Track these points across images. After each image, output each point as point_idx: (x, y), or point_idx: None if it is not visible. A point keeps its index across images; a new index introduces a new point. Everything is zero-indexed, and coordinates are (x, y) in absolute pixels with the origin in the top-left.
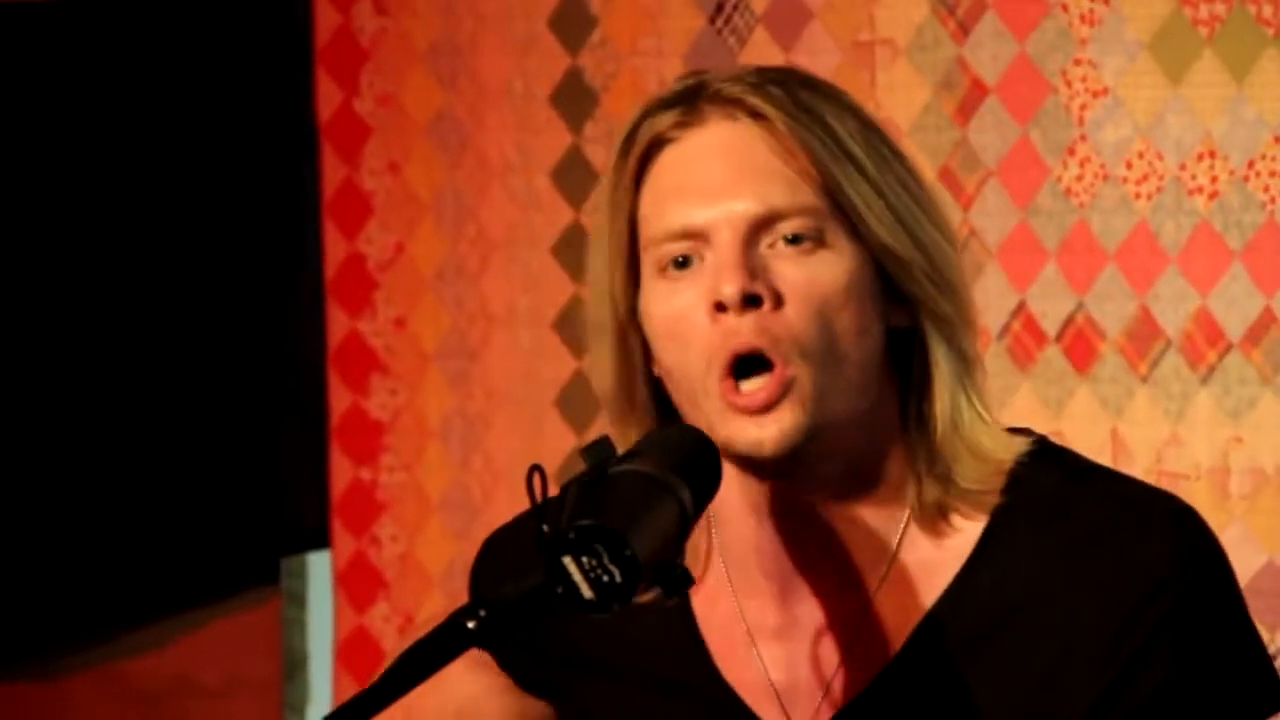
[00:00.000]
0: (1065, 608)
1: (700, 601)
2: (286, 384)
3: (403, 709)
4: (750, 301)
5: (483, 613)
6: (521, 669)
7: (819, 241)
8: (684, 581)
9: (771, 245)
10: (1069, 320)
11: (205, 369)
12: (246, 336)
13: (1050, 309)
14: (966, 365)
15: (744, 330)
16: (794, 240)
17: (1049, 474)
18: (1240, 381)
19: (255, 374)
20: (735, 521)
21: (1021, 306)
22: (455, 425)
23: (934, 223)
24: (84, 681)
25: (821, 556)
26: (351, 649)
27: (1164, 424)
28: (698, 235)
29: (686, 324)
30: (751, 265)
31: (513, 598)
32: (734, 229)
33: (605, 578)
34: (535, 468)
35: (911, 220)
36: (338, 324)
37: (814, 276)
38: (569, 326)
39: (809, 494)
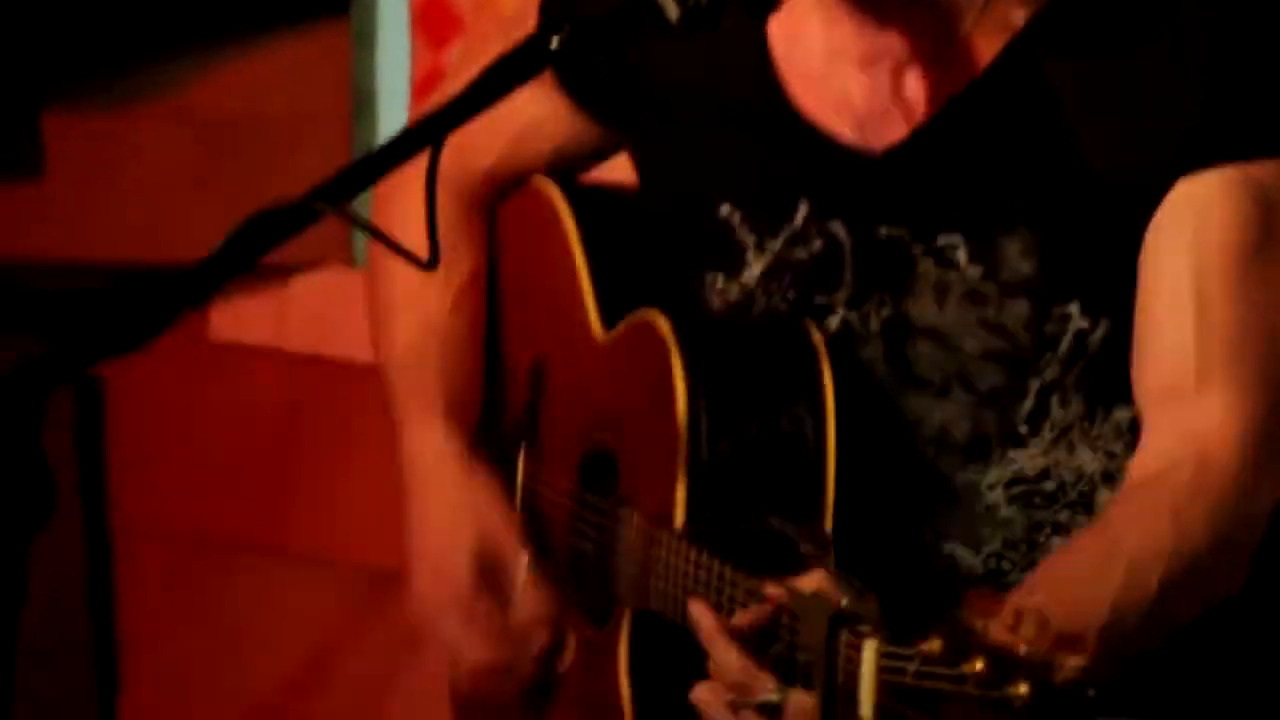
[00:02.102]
0: (1165, 44)
1: (778, 28)
2: None
3: (463, 130)
4: None
5: (567, 30)
6: (588, 93)
7: None
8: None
9: None
10: None
11: None
12: None
13: None
14: None
15: None
16: None
17: None
18: None
19: None
20: None
21: None
22: None
23: None
24: (150, 113)
25: None
26: (427, 87)
27: None
28: None
29: None
30: None
31: (598, 16)
32: None
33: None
34: None
35: None
36: None
37: None
38: None
39: None
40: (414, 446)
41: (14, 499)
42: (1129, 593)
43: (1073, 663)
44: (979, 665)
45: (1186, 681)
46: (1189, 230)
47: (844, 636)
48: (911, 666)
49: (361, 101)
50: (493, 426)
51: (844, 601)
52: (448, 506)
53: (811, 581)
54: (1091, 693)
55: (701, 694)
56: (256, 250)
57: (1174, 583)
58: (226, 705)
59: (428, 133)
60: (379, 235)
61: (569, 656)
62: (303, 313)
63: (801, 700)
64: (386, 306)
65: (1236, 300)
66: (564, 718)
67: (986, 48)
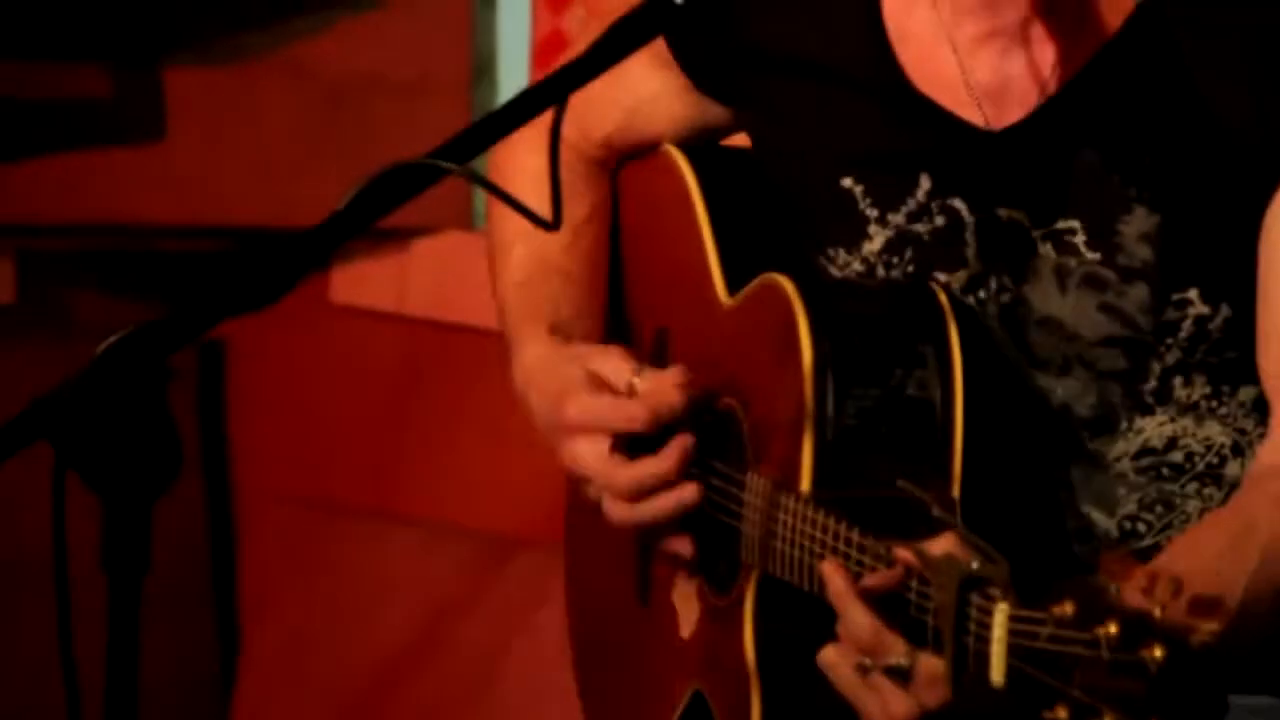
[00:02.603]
0: None
1: (893, 7)
2: None
3: (582, 100)
4: None
5: None
6: (704, 68)
7: None
8: None
9: None
10: None
11: None
12: None
13: None
14: None
15: None
16: None
17: None
18: None
19: None
20: None
21: None
22: None
23: None
24: (270, 71)
25: None
26: (548, 50)
27: None
28: None
29: None
30: None
31: None
32: None
33: None
34: None
35: None
36: None
37: None
38: None
39: None
40: (518, 364)
41: (141, 460)
42: (1262, 577)
43: (1208, 627)
44: (1112, 628)
45: None
46: None
47: (975, 600)
48: (1044, 630)
49: (482, 65)
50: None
51: (974, 565)
52: (554, 379)
53: (941, 545)
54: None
55: (830, 656)
56: (378, 210)
57: None
58: (344, 666)
59: (550, 92)
60: (502, 194)
61: (696, 626)
62: (423, 277)
63: (931, 664)
64: (501, 245)
65: None
66: (689, 683)
67: (1112, 17)
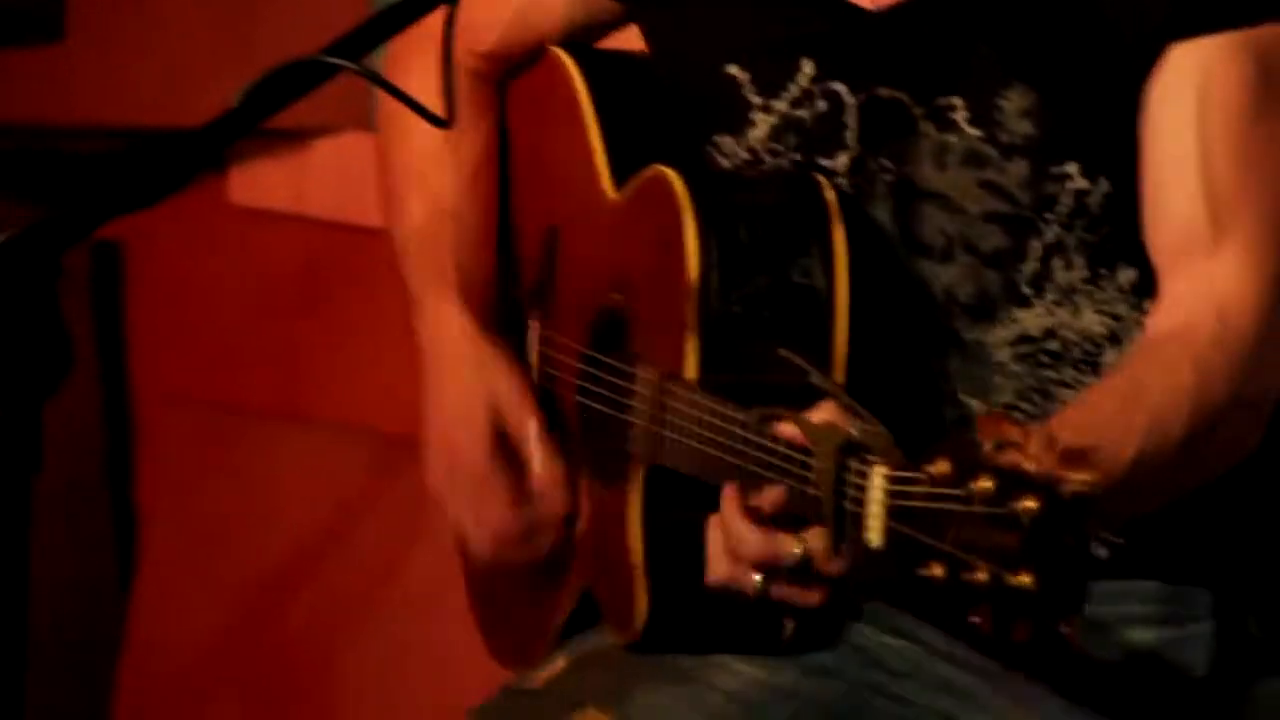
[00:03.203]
0: None
1: None
2: None
3: (467, 10)
4: None
5: None
6: None
7: None
8: None
9: None
10: None
11: None
12: None
13: None
14: None
15: None
16: None
17: None
18: None
19: None
20: None
21: None
22: None
23: None
24: None
25: None
26: None
27: None
28: None
29: None
30: None
31: None
32: None
33: None
34: None
35: None
36: None
37: None
38: None
39: None
40: (431, 324)
41: (29, 358)
42: (1152, 441)
43: (1080, 477)
44: (986, 483)
45: (1200, 543)
46: (1192, 91)
47: (853, 464)
48: (919, 489)
49: None
50: (507, 299)
51: (854, 431)
52: (462, 385)
53: (822, 413)
54: (1105, 554)
55: (724, 580)
56: (272, 108)
57: (1195, 434)
58: (242, 567)
59: None
60: (395, 91)
61: (583, 524)
62: (322, 177)
63: (819, 538)
64: (396, 187)
65: (1241, 159)
66: (577, 581)
67: None
